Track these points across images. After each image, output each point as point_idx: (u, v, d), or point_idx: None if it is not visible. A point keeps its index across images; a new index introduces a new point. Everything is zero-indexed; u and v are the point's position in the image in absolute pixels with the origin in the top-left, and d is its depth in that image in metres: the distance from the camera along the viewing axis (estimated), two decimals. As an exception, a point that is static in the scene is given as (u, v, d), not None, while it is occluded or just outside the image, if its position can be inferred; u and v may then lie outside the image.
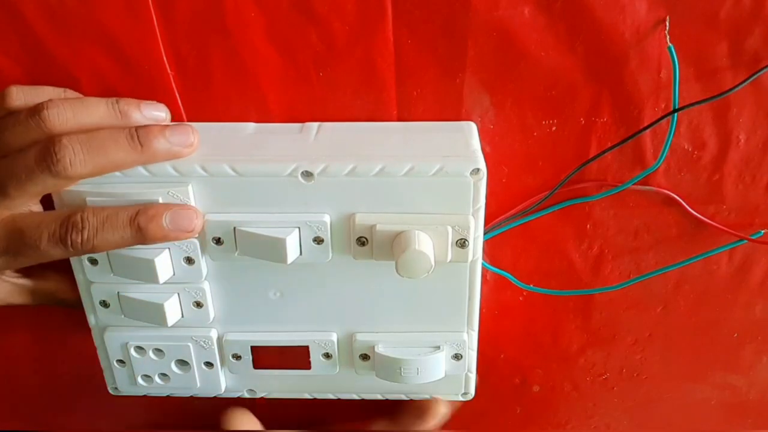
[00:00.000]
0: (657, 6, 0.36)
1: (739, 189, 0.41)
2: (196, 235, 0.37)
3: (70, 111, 0.34)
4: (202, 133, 0.37)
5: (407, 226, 0.36)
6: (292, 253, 0.37)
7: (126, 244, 0.35)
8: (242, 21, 0.37)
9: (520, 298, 0.46)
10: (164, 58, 0.38)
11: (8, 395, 0.52)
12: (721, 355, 0.48)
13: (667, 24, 0.37)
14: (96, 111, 0.35)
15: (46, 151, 0.33)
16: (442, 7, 0.37)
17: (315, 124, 0.39)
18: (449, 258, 0.37)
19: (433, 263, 0.35)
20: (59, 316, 0.47)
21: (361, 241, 0.37)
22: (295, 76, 0.39)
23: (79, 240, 0.34)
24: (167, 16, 0.37)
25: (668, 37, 0.37)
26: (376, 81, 0.39)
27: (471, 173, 0.35)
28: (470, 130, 0.39)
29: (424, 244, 0.35)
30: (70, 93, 0.38)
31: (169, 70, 0.38)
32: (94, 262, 0.39)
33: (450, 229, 0.36)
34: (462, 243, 0.36)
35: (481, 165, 0.35)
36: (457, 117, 0.40)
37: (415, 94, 0.39)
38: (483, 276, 0.41)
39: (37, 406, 0.52)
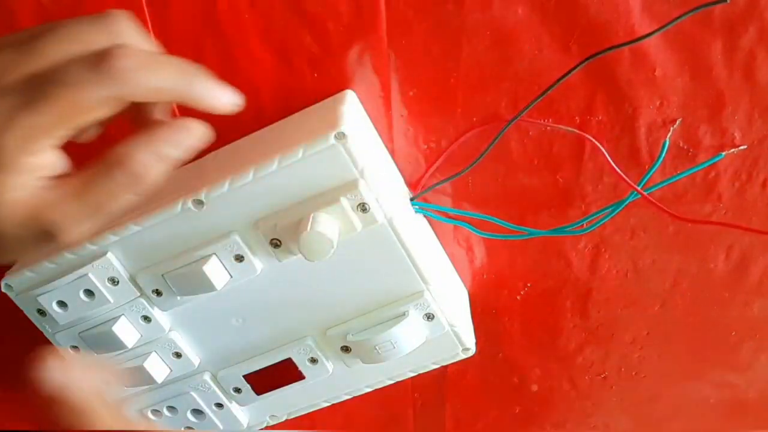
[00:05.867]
0: (650, 4, 0.36)
1: (735, 187, 0.41)
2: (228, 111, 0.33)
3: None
4: None
5: (304, 213, 0.36)
6: (218, 279, 0.38)
7: (165, 94, 0.30)
8: (236, 22, 0.37)
9: (518, 297, 0.46)
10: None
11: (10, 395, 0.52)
12: (719, 353, 0.48)
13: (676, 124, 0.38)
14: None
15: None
16: (435, 7, 0.37)
17: (211, 154, 0.40)
18: (359, 227, 0.36)
19: (332, 238, 0.35)
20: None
21: (275, 243, 0.37)
22: (289, 77, 0.39)
23: (122, 67, 0.28)
24: (161, 18, 0.37)
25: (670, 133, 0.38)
26: (370, 81, 0.39)
27: (336, 139, 0.34)
28: (342, 98, 0.38)
29: (320, 223, 0.35)
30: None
31: (163, 72, 0.38)
32: (76, 348, 0.42)
33: (343, 200, 0.35)
34: (363, 207, 0.36)
35: (345, 128, 0.34)
36: (452, 116, 0.40)
37: (411, 95, 0.39)
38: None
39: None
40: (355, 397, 0.44)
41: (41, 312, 0.40)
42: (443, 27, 0.37)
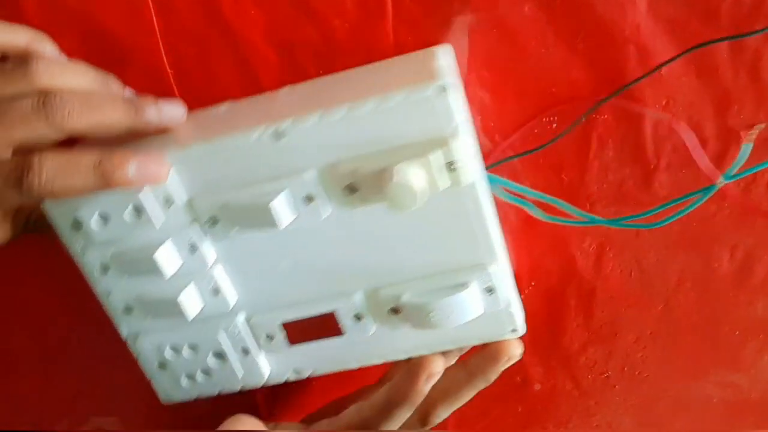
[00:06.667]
0: (657, 3, 0.36)
1: (740, 186, 0.41)
2: (163, 183, 0.35)
3: (58, 69, 0.34)
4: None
5: (389, 161, 0.34)
6: (284, 216, 0.36)
7: (87, 191, 0.34)
8: (241, 19, 0.37)
9: (522, 296, 0.46)
10: (163, 57, 0.38)
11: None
12: (722, 353, 0.47)
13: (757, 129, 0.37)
14: (84, 77, 0.36)
15: (46, 99, 0.33)
16: (442, 4, 0.37)
17: (285, 88, 0.38)
18: (443, 185, 0.35)
19: (418, 191, 0.33)
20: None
21: (351, 189, 0.35)
22: (294, 73, 0.39)
23: (36, 183, 0.33)
24: (167, 14, 0.37)
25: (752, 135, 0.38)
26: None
27: (438, 90, 0.33)
28: (442, 52, 0.37)
29: (408, 174, 0.34)
30: (46, 37, 0.37)
31: (168, 69, 0.38)
32: (104, 270, 0.39)
33: (434, 154, 0.34)
34: (451, 166, 0.34)
35: (448, 80, 0.33)
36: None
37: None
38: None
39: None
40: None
41: (76, 224, 0.37)
42: (450, 24, 0.37)
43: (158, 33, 0.37)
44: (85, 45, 0.38)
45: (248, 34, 0.37)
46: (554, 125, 0.39)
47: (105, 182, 0.34)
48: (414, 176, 0.34)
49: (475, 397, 0.44)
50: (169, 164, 0.35)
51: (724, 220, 0.42)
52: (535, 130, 0.40)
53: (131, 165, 0.34)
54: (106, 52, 0.38)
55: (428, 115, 0.34)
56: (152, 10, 0.37)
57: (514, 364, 0.48)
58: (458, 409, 0.47)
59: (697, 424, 0.51)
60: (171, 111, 0.36)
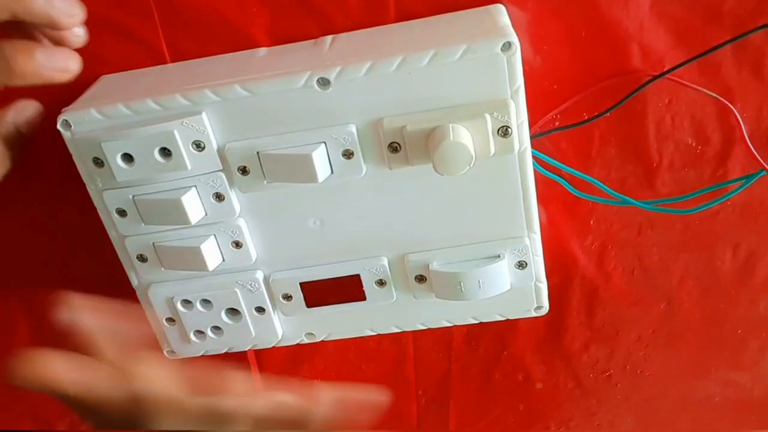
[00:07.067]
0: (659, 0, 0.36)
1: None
2: (70, 78, 0.32)
3: None
4: (212, 64, 0.36)
5: (440, 121, 0.32)
6: (321, 170, 0.34)
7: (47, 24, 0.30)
8: (244, 15, 0.37)
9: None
10: (165, 52, 0.38)
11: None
12: (725, 351, 0.47)
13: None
14: None
15: None
16: (444, 2, 0.37)
17: (329, 37, 0.36)
18: (493, 151, 0.33)
19: (473, 154, 0.32)
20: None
21: (394, 147, 0.34)
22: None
23: None
24: (168, 8, 0.37)
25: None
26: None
27: (502, 49, 0.31)
28: (498, 11, 0.35)
29: (461, 135, 0.32)
30: None
31: (169, 63, 0.38)
32: (122, 213, 0.37)
33: (488, 117, 0.32)
34: (504, 131, 0.33)
35: (513, 39, 0.31)
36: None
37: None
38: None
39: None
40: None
41: (98, 162, 0.35)
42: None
43: (159, 27, 0.37)
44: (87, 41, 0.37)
45: (251, 30, 0.37)
46: (557, 123, 0.39)
47: (9, 71, 0.30)
48: (467, 138, 0.32)
49: (476, 395, 0.44)
50: (78, 58, 0.32)
51: (726, 218, 0.42)
52: (537, 130, 0.40)
53: (37, 53, 0.31)
54: (106, 45, 0.38)
55: (490, 73, 0.32)
56: (153, 4, 0.37)
57: (515, 363, 0.48)
58: (460, 408, 0.47)
59: (700, 422, 0.51)
60: (63, 4, 0.31)
